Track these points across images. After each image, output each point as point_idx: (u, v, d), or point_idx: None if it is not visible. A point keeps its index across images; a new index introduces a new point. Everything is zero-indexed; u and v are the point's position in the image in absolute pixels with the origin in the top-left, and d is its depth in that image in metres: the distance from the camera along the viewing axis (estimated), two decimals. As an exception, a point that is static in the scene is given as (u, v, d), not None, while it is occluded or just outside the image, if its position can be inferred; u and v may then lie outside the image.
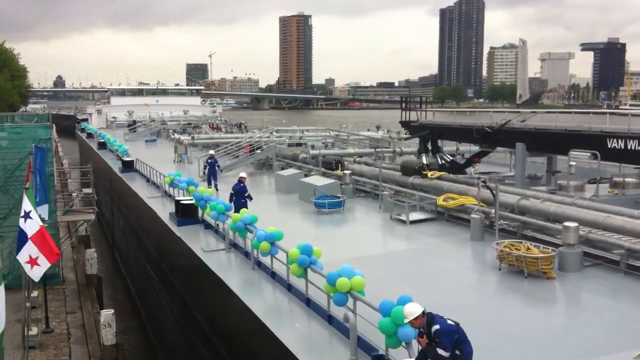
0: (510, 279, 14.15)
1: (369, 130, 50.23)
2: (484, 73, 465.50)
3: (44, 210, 20.89)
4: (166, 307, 23.10)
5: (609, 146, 18.71)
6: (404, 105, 29.84)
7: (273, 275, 14.98)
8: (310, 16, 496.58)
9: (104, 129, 79.04)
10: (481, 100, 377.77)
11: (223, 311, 15.73)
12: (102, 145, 56.17)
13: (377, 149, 31.46)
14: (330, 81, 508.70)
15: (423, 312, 8.51)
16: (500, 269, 14.74)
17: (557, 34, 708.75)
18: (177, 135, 48.77)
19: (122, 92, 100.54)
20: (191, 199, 22.41)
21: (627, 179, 20.22)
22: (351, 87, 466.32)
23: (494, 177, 23.38)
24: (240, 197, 21.78)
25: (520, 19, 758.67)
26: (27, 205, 15.44)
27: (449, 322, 8.32)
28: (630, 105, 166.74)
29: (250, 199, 22.09)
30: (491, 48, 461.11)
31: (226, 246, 17.99)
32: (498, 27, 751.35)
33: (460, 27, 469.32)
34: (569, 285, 13.85)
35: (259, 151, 36.46)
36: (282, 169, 32.82)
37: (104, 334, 18.64)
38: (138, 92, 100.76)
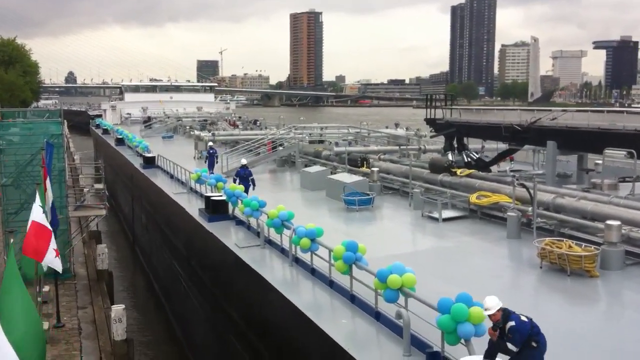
0: (553, 277, 14.15)
1: (387, 127, 50.19)
2: (496, 71, 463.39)
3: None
4: (195, 303, 23.20)
5: (646, 144, 18.64)
6: (429, 102, 29.77)
7: (313, 271, 15.02)
8: (321, 13, 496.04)
9: (118, 125, 79.31)
10: (492, 98, 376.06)
11: (261, 307, 15.77)
12: (120, 142, 56.45)
13: (401, 147, 31.43)
14: (341, 78, 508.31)
15: (500, 310, 8.59)
16: (541, 267, 14.73)
17: (570, 32, 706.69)
18: (196, 132, 48.87)
19: (135, 89, 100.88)
20: (221, 195, 22.51)
21: (660, 178, 20.14)
22: (362, 84, 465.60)
23: (524, 175, 23.35)
24: (245, 181, 24.47)
25: (532, 17, 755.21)
26: (38, 200, 16.06)
27: (523, 318, 8.43)
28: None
29: (254, 184, 24.79)
30: (502, 46, 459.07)
31: (261, 242, 18.04)
32: (510, 25, 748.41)
33: (472, 25, 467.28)
34: (613, 284, 13.85)
35: (281, 148, 36.52)
36: (306, 166, 32.87)
37: (114, 329, 18.63)
38: (151, 89, 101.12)
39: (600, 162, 24.92)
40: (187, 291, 24.77)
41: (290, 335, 13.81)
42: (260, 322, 15.82)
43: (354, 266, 12.81)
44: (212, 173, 29.52)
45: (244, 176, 25.27)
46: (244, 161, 27.10)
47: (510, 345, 8.23)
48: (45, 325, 18.57)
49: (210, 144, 36.81)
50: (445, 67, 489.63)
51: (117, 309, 18.97)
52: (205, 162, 35.37)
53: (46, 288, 20.59)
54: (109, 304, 22.65)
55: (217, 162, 35.00)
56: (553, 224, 17.45)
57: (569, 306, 12.73)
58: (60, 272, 17.81)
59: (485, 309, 8.69)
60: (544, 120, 23.08)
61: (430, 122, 29.58)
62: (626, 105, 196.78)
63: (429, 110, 29.58)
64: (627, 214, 15.79)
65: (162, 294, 31.40)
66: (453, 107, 30.14)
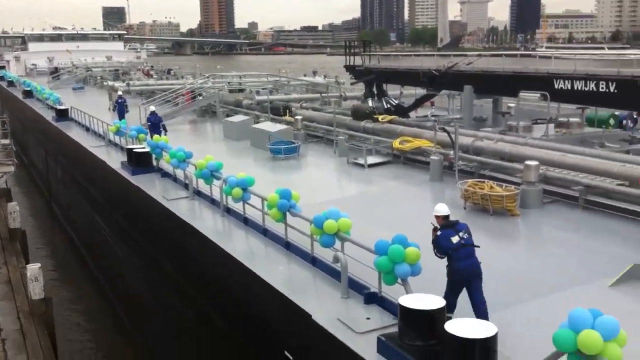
0: (476, 217, 14.82)
1: (305, 75, 50.19)
2: (406, 17, 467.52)
3: None
4: (122, 256, 22.99)
5: (556, 87, 19.52)
6: (348, 49, 29.92)
7: (246, 221, 15.15)
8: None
9: (23, 76, 75.84)
10: (404, 44, 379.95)
11: (195, 258, 15.85)
12: (28, 94, 54.30)
13: (322, 94, 31.58)
14: (254, 25, 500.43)
15: (447, 216, 10.01)
16: (465, 208, 15.41)
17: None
18: (110, 83, 47.38)
19: (40, 38, 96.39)
20: (144, 147, 22.17)
21: (571, 119, 21.28)
22: (275, 31, 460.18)
23: (442, 120, 24.05)
24: (156, 128, 26.09)
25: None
26: None
27: (455, 237, 9.57)
28: (546, 47, 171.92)
29: (165, 129, 26.21)
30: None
31: (190, 194, 17.98)
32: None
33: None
34: (533, 221, 14.69)
35: (200, 98, 35.99)
36: (227, 115, 32.60)
37: (31, 288, 18.33)
38: (57, 38, 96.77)
39: (513, 105, 26.01)
40: (112, 245, 24.47)
41: (227, 284, 13.99)
42: (195, 273, 15.91)
43: (288, 214, 13.04)
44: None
45: (155, 123, 26.77)
46: (152, 108, 28.81)
47: (435, 247, 9.72)
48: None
49: (120, 92, 36.59)
50: (357, 13, 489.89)
51: (33, 268, 18.58)
52: (115, 111, 35.81)
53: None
54: (24, 263, 22.09)
55: (127, 111, 34.80)
56: (473, 166, 18.18)
57: (493, 243, 13.40)
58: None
59: (435, 211, 10.15)
60: (461, 65, 23.72)
61: (349, 69, 29.79)
62: (530, 49, 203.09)
63: (348, 57, 29.72)
64: (543, 155, 16.64)
65: (85, 249, 30.88)
66: (372, 53, 30.46)
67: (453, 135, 18.03)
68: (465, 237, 9.57)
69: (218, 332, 14.57)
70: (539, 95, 20.45)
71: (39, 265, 18.83)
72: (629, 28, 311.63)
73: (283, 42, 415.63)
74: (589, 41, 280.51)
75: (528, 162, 15.37)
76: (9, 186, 34.96)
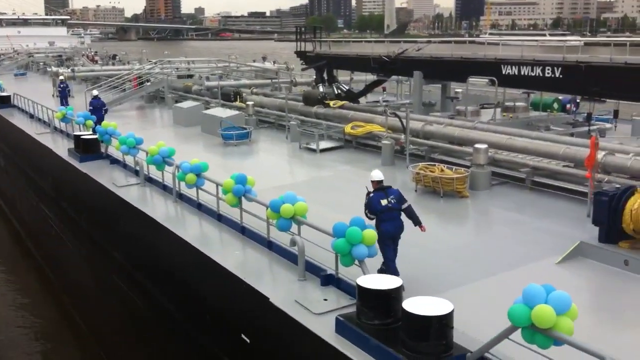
0: (427, 200, 15.12)
1: (254, 61, 49.90)
2: (353, 3, 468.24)
3: None
4: (70, 246, 22.58)
5: (504, 72, 19.97)
6: (298, 35, 29.91)
7: (199, 206, 15.07)
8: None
9: (-40, 62, 73.42)
10: (351, 30, 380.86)
11: (148, 246, 15.70)
12: (-35, 81, 52.40)
13: (273, 80, 31.50)
14: (200, 10, 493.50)
15: (381, 182, 10.95)
16: (416, 191, 15.67)
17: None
18: (54, 69, 46.18)
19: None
20: (91, 134, 21.78)
21: (517, 104, 21.78)
22: (222, 17, 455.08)
23: (392, 105, 24.29)
24: (98, 112, 26.26)
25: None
26: None
27: (385, 200, 10.57)
28: (490, 34, 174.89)
29: (106, 111, 27.24)
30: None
31: (141, 180, 17.76)
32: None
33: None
34: (483, 202, 15.06)
35: (148, 84, 35.44)
36: (176, 101, 32.22)
37: None
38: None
39: (460, 90, 26.48)
40: (58, 234, 24.00)
41: (181, 271, 13.91)
42: (148, 260, 15.75)
43: (243, 199, 13.03)
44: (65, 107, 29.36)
45: (97, 107, 27.14)
46: (95, 92, 29.21)
47: (365, 208, 10.76)
48: None
49: (61, 77, 36.48)
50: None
51: None
52: (58, 97, 36.09)
53: None
54: None
55: (70, 96, 35.37)
56: (424, 150, 18.48)
57: (443, 224, 13.74)
58: None
59: (372, 176, 11.10)
60: (410, 51, 24.02)
61: (300, 54, 29.79)
62: (474, 35, 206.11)
63: (298, 43, 29.71)
64: (491, 138, 17.03)
65: (29, 240, 30.19)
66: (323, 39, 30.52)
67: (404, 120, 18.24)
68: (392, 201, 10.55)
69: (172, 320, 14.48)
70: (487, 80, 20.84)
71: None
72: (569, 15, 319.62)
73: (230, 28, 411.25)
74: (531, 28, 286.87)
75: (477, 145, 15.71)
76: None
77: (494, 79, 20.30)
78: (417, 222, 10.78)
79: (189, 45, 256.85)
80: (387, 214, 10.46)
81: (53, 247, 25.45)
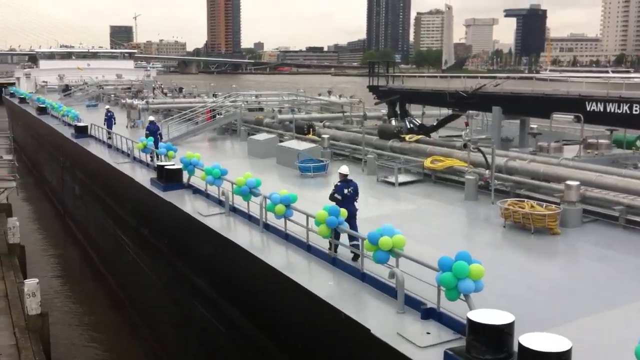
0: (517, 235, 14.96)
1: (320, 95, 50.47)
2: (411, 38, 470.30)
3: None
4: (148, 272, 23.03)
5: (588, 109, 19.72)
6: (371, 70, 30.21)
7: (287, 237, 15.24)
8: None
9: (34, 93, 76.45)
10: (408, 65, 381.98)
11: (232, 273, 15.90)
12: (43, 111, 54.62)
13: (345, 114, 31.82)
14: (259, 45, 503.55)
15: (346, 176, 14.44)
16: (504, 227, 15.51)
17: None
18: (129, 100, 47.68)
19: (51, 56, 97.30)
20: (173, 164, 22.33)
21: (600, 140, 21.44)
22: (280, 51, 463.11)
23: (471, 140, 24.13)
24: (154, 134, 28.47)
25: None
26: None
27: (346, 191, 14.05)
28: (550, 70, 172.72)
29: (161, 137, 28.97)
30: (418, 13, 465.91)
31: (226, 210, 18.07)
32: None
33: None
34: (575, 239, 14.81)
35: (221, 116, 36.22)
36: (248, 134, 32.81)
37: (28, 303, 18.36)
38: (67, 56, 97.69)
39: (535, 126, 26.22)
40: (135, 260, 24.52)
41: (271, 300, 14.01)
42: (234, 288, 15.94)
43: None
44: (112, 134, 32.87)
45: (153, 130, 29.06)
46: (151, 118, 31.29)
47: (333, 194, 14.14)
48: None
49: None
50: (362, 34, 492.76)
51: (30, 283, 18.59)
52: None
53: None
54: (21, 278, 22.08)
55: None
56: (509, 186, 18.30)
57: (538, 260, 13.58)
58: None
59: (341, 172, 14.52)
60: (488, 86, 23.96)
61: (373, 89, 30.04)
62: (534, 71, 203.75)
63: (371, 77, 29.99)
64: (579, 175, 16.77)
65: (102, 264, 30.89)
66: (397, 74, 30.75)
67: (488, 155, 18.14)
68: (350, 192, 14.16)
69: (259, 349, 14.56)
70: (572, 117, 20.64)
71: (36, 280, 18.88)
72: (634, 52, 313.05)
73: (288, 63, 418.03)
74: (593, 64, 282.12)
75: (569, 182, 15.51)
76: (16, 201, 35.12)
77: (580, 115, 20.06)
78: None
79: (248, 78, 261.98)
80: (347, 199, 13.99)
81: (129, 273, 25.99)
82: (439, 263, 9.83)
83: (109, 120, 38.06)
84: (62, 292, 28.22)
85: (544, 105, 21.25)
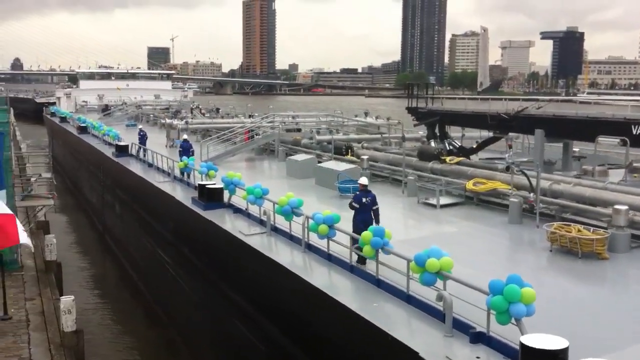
0: (564, 260, 14.73)
1: (356, 116, 50.61)
2: (446, 60, 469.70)
3: (2, 195, 20.83)
4: (187, 289, 23.17)
5: (635, 132, 19.44)
6: (410, 91, 30.23)
7: (329, 257, 15.22)
8: (273, 0, 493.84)
9: (74, 113, 78.02)
10: (442, 87, 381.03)
11: (275, 292, 15.91)
12: (83, 130, 55.57)
13: (383, 135, 31.81)
14: (294, 66, 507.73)
15: (365, 186, 15.62)
16: (551, 250, 15.29)
17: (519, 20, 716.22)
18: (168, 120, 48.37)
19: (90, 76, 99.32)
20: (214, 183, 22.51)
21: (646, 164, 21.05)
22: (315, 72, 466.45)
23: (515, 162, 23.93)
24: (186, 153, 30.13)
25: (484, 6, 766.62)
26: None
27: (364, 200, 15.20)
28: (588, 93, 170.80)
29: (194, 154, 30.22)
30: (453, 35, 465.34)
31: (267, 230, 18.13)
32: (462, 13, 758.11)
33: (423, 14, 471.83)
34: (625, 264, 14.51)
35: (259, 137, 36.50)
36: (287, 154, 32.99)
37: (64, 320, 18.46)
38: (107, 76, 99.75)
39: (577, 149, 25.89)
40: (175, 277, 24.68)
41: (313, 319, 13.97)
42: (276, 308, 15.93)
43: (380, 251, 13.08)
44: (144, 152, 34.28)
45: (186, 148, 30.78)
46: (185, 136, 32.95)
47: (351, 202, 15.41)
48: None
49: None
50: (396, 56, 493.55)
51: (66, 300, 18.71)
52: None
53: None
54: (57, 295, 22.32)
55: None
56: (554, 210, 18.06)
57: (584, 283, 13.39)
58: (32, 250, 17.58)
59: (360, 182, 15.82)
60: (531, 109, 23.77)
61: (411, 110, 30.00)
62: (572, 94, 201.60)
63: (410, 99, 29.99)
64: (626, 199, 16.47)
65: (141, 281, 31.15)
66: (436, 96, 30.70)
67: (533, 178, 17.95)
68: (368, 201, 15.20)
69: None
70: (617, 140, 20.33)
71: (72, 297, 19.01)
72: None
73: (322, 84, 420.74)
74: (632, 87, 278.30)
75: (617, 207, 15.24)
76: (55, 218, 35.63)
77: (626, 139, 19.76)
78: (377, 221, 15.08)
79: (282, 99, 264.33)
80: (362, 208, 15.12)
81: (168, 290, 26.16)
82: (490, 286, 9.72)
83: (142, 138, 39.23)
84: (100, 309, 28.49)
85: (589, 129, 21.00)
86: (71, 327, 18.52)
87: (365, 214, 15.01)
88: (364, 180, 15.86)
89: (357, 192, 15.51)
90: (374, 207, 15.20)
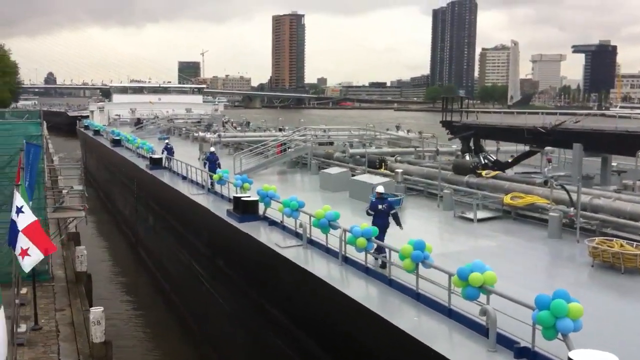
0: (607, 275, 14.52)
1: (388, 129, 50.51)
2: (476, 74, 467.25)
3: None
4: (222, 302, 23.23)
5: (676, 147, 19.13)
6: (445, 105, 30.11)
7: (367, 270, 15.18)
8: (303, 15, 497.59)
9: (107, 126, 79.18)
10: (472, 101, 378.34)
11: (312, 305, 15.89)
12: (117, 143, 56.29)
13: (417, 148, 31.72)
14: (323, 80, 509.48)
15: (382, 194, 16.58)
16: (592, 266, 15.06)
17: (551, 34, 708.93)
18: (201, 134, 48.80)
19: (123, 90, 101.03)
20: (249, 196, 22.61)
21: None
22: (343, 86, 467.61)
23: (546, 177, 23.68)
24: (212, 164, 30.69)
25: (515, 19, 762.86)
26: (19, 200, 15.92)
27: (381, 206, 16.10)
28: (621, 107, 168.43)
29: (220, 166, 30.12)
30: (483, 49, 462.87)
31: (303, 242, 18.13)
32: (492, 27, 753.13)
33: (453, 29, 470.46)
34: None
35: (291, 150, 36.62)
36: (320, 167, 33.04)
37: (93, 331, 18.66)
38: (139, 90, 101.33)
39: (615, 164, 25.51)
40: (209, 290, 24.77)
41: (351, 332, 13.90)
42: (313, 320, 15.91)
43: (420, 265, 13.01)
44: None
45: (213, 160, 31.25)
46: (212, 149, 33.55)
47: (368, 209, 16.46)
48: (23, 327, 18.65)
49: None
50: (425, 70, 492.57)
51: (96, 311, 18.92)
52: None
53: (24, 290, 20.48)
54: (87, 306, 22.55)
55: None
56: (595, 224, 17.81)
57: (629, 299, 13.21)
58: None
59: (378, 190, 16.70)
60: (568, 123, 23.53)
61: (446, 124, 29.83)
62: (604, 108, 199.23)
63: (444, 113, 29.86)
64: (670, 214, 16.19)
65: (174, 293, 31.29)
66: (471, 110, 30.54)
67: (573, 193, 17.73)
68: (385, 207, 16.05)
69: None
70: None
71: (101, 309, 19.21)
72: None
73: (350, 98, 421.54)
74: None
75: (661, 221, 14.96)
76: (87, 230, 36.08)
77: (668, 153, 19.46)
78: (398, 224, 16.27)
79: (311, 113, 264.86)
80: (379, 214, 16.00)
81: (202, 303, 26.26)
82: (536, 301, 9.60)
83: (169, 151, 40.01)
84: (130, 321, 28.72)
85: (629, 143, 20.70)
86: (100, 338, 18.76)
87: (382, 219, 15.93)
88: (380, 189, 16.74)
89: (373, 199, 16.33)
90: (392, 212, 16.12)
